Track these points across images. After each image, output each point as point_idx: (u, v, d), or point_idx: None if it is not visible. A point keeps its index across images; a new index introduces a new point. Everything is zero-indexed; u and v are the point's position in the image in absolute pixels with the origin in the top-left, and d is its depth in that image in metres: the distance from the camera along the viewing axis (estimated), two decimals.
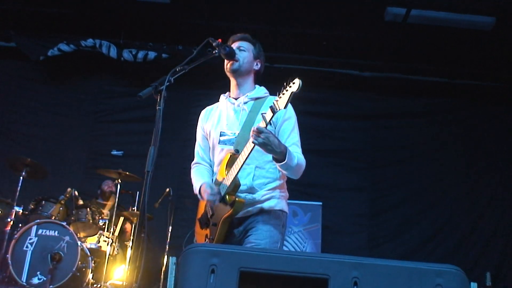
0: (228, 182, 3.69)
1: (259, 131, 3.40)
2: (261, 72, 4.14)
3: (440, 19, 7.91)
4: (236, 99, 4.04)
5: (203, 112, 4.28)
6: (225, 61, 4.01)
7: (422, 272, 2.47)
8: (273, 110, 3.39)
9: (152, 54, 8.72)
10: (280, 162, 3.56)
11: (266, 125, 3.44)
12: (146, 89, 3.36)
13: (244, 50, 4.02)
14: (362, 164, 9.17)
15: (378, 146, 9.25)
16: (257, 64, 4.09)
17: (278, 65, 8.83)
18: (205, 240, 3.88)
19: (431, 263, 2.52)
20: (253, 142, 3.46)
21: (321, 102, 9.34)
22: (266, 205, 3.78)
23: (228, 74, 4.05)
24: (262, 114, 3.51)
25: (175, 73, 3.50)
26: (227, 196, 3.68)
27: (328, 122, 9.32)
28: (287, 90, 3.32)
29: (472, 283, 2.45)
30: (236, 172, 3.62)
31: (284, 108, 3.35)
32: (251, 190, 3.76)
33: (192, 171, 4.20)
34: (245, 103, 3.97)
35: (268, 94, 4.02)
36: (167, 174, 8.39)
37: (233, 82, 4.08)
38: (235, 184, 3.64)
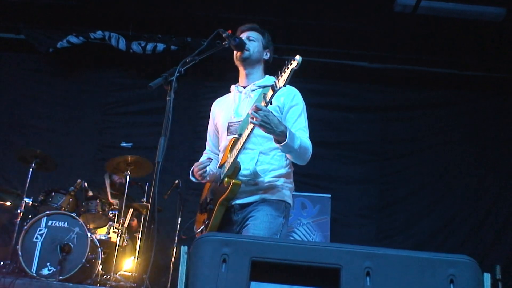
0: (228, 164, 3.70)
1: (257, 109, 3.39)
2: (270, 61, 4.15)
3: (449, 10, 7.84)
4: (244, 87, 4.05)
5: (213, 104, 4.33)
6: (235, 51, 4.01)
7: (434, 262, 2.46)
8: (273, 89, 3.38)
9: (161, 46, 8.67)
10: (280, 143, 3.51)
11: (266, 105, 3.43)
12: (156, 79, 3.38)
13: (253, 40, 4.04)
14: (371, 156, 9.14)
15: (387, 138, 9.22)
16: (266, 54, 4.12)
17: (287, 57, 8.80)
18: (202, 224, 3.89)
19: (443, 253, 2.51)
20: (250, 121, 3.45)
21: (329, 94, 9.32)
22: (268, 194, 3.76)
23: (237, 63, 4.07)
24: (263, 93, 3.52)
25: (186, 64, 3.52)
26: (225, 179, 3.67)
27: (337, 114, 9.29)
28: (288, 68, 3.32)
29: (485, 274, 2.44)
30: (236, 154, 3.63)
31: (284, 86, 3.35)
32: (255, 175, 3.72)
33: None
34: (252, 90, 3.98)
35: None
36: (176, 166, 8.39)
37: (242, 72, 4.09)
38: (235, 166, 3.64)
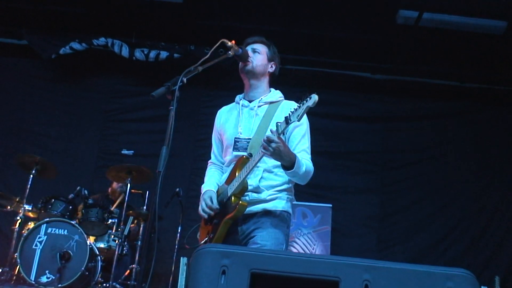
0: (236, 183, 3.72)
1: (270, 140, 3.44)
2: (276, 74, 4.17)
3: (452, 22, 7.88)
4: (250, 101, 4.07)
5: (218, 113, 4.34)
6: (239, 62, 4.03)
7: (432, 276, 2.48)
8: (287, 121, 3.43)
9: (164, 54, 8.67)
10: (288, 170, 3.61)
11: (278, 135, 3.48)
12: (159, 88, 3.39)
13: (258, 53, 4.06)
14: (373, 167, 9.13)
15: (389, 148, 9.22)
16: (271, 66, 4.13)
17: (289, 66, 8.83)
18: (206, 236, 3.92)
19: (441, 266, 2.52)
20: (262, 151, 3.51)
21: (332, 104, 9.26)
22: (271, 205, 3.81)
23: (242, 75, 4.08)
24: (276, 123, 3.53)
25: (188, 73, 3.53)
26: (232, 197, 3.72)
27: (339, 124, 9.29)
28: (303, 104, 3.38)
29: (482, 287, 2.46)
30: (245, 175, 3.67)
31: (298, 121, 3.41)
32: (257, 189, 3.80)
33: (207, 170, 4.31)
34: (259, 106, 4.00)
35: (283, 98, 4.09)
36: (177, 174, 8.38)
37: (247, 83, 4.11)
38: (243, 186, 3.69)
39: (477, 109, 9.39)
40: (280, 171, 3.83)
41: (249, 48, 4.05)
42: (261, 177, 3.82)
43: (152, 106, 8.74)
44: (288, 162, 3.58)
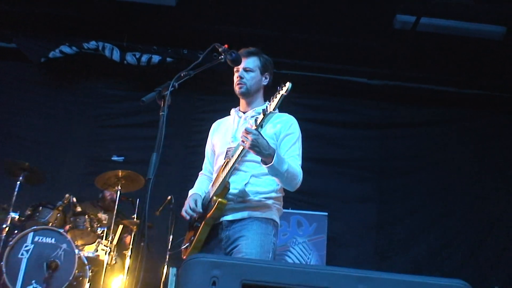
0: (218, 183, 3.75)
1: (247, 132, 3.46)
2: (270, 83, 4.17)
3: (450, 27, 7.85)
4: (244, 113, 4.10)
5: (213, 125, 4.40)
6: (234, 81, 4.07)
7: (428, 287, 2.43)
8: (264, 113, 3.47)
9: (156, 58, 8.59)
10: (267, 165, 3.57)
11: (257, 128, 3.50)
12: (149, 94, 3.36)
13: (251, 70, 4.04)
14: (370, 174, 9.08)
15: (387, 155, 9.19)
16: (265, 78, 4.14)
17: (285, 71, 8.74)
18: (188, 241, 3.96)
19: (438, 277, 2.48)
20: (241, 144, 3.56)
21: (328, 109, 9.32)
22: (258, 212, 3.80)
23: (237, 94, 4.10)
24: (255, 117, 3.59)
25: (180, 78, 3.48)
26: (214, 197, 3.73)
27: (336, 131, 9.26)
28: (279, 94, 3.43)
29: None
30: (226, 173, 3.69)
31: (274, 110, 3.46)
32: (243, 194, 3.77)
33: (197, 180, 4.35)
34: (252, 116, 3.98)
35: (277, 110, 3.98)
36: (169, 181, 8.29)
37: (242, 101, 4.15)
38: (224, 186, 3.70)
39: (475, 116, 9.38)
40: (269, 179, 3.84)
41: (240, 67, 4.02)
42: (248, 182, 3.81)
43: (143, 112, 8.63)
44: (267, 156, 3.55)
